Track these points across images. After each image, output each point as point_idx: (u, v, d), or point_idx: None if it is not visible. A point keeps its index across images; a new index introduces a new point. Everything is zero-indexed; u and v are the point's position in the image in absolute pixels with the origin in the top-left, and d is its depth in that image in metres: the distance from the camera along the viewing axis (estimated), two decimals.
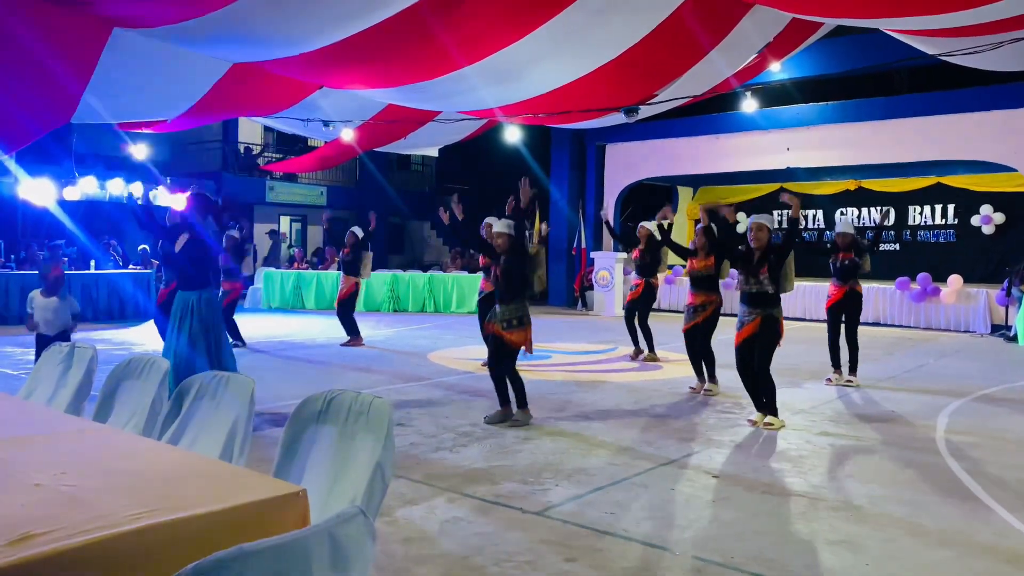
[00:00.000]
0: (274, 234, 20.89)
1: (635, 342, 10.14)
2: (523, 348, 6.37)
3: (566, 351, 10.77)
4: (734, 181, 18.46)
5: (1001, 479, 5.03)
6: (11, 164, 14.08)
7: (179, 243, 6.19)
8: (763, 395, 6.37)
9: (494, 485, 4.75)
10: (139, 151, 14.78)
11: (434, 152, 15.13)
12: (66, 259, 14.27)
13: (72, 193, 15.27)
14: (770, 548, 3.82)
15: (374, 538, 1.89)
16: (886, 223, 13.76)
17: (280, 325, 13.60)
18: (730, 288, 12.04)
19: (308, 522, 2.19)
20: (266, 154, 21.56)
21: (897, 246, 17.09)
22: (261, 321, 14.00)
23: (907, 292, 14.41)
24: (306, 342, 11.46)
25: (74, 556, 1.80)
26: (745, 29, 8.10)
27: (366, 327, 11.34)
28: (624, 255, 14.87)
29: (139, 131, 12.02)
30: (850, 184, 17.35)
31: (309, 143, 19.82)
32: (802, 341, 11.41)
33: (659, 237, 8.75)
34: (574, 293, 18.10)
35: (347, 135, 11.13)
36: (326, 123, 10.49)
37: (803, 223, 5.71)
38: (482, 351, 8.35)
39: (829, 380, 8.47)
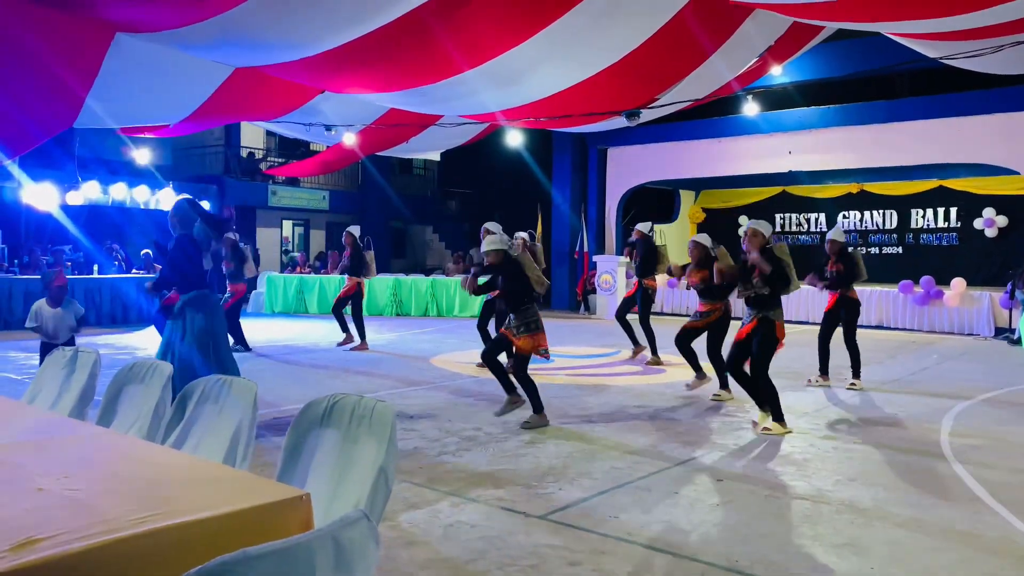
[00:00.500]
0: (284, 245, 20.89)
1: (633, 341, 10.18)
2: (536, 353, 6.42)
3: (569, 355, 10.75)
4: (736, 185, 18.48)
5: (1005, 482, 5.01)
6: (14, 169, 14.10)
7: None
8: (764, 400, 6.37)
9: (498, 489, 4.74)
10: (142, 156, 14.82)
11: (436, 156, 15.10)
12: (69, 264, 14.29)
13: (75, 198, 15.30)
14: (775, 551, 3.81)
15: (378, 542, 1.89)
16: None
17: (283, 329, 13.61)
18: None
19: (312, 526, 2.18)
20: (268, 159, 21.61)
21: (900, 249, 17.07)
22: (264, 325, 14.00)
23: (910, 295, 14.39)
24: (309, 346, 11.46)
25: (77, 561, 1.79)
26: (747, 33, 8.11)
27: (368, 331, 11.33)
28: (626, 259, 14.89)
29: (142, 136, 12.03)
30: (852, 187, 17.36)
31: (311, 147, 19.86)
32: (804, 344, 11.37)
33: (676, 274, 8.82)
34: (577, 297, 18.11)
35: (349, 139, 11.13)
36: (328, 127, 10.48)
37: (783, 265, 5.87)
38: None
39: (809, 381, 8.51)
